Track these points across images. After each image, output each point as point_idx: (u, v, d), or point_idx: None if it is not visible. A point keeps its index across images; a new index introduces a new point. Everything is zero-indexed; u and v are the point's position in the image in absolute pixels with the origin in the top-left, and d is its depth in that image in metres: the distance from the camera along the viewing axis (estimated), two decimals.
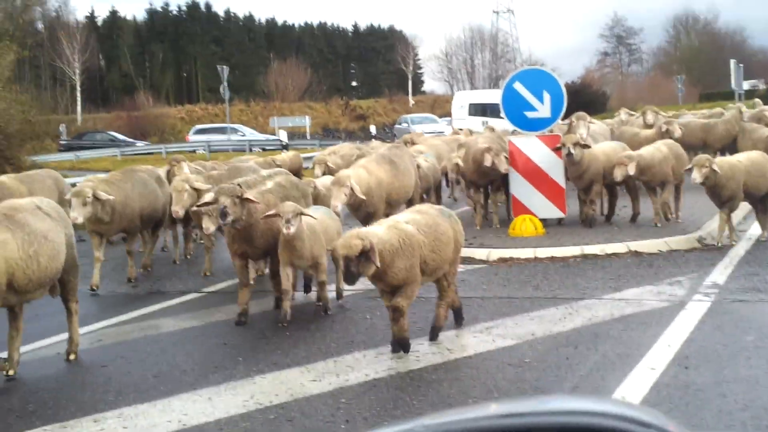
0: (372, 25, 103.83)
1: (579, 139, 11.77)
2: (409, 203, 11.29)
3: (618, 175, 11.32)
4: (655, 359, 6.25)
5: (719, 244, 10.44)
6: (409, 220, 6.87)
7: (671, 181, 11.72)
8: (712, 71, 78.08)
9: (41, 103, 49.41)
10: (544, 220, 12.05)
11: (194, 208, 9.43)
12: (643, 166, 11.37)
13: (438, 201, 13.90)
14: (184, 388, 6.34)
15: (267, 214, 7.84)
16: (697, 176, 10.10)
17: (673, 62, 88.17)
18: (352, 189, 9.71)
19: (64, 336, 7.88)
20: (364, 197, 9.86)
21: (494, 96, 34.23)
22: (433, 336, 7.22)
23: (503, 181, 12.92)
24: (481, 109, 36.07)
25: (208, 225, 8.92)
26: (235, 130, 48.32)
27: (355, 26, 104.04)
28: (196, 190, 10.23)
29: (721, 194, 10.37)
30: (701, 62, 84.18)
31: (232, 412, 5.76)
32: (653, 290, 8.48)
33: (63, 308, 7.48)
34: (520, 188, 12.27)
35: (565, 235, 11.44)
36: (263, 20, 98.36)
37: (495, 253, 10.68)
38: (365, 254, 6.16)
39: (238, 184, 8.19)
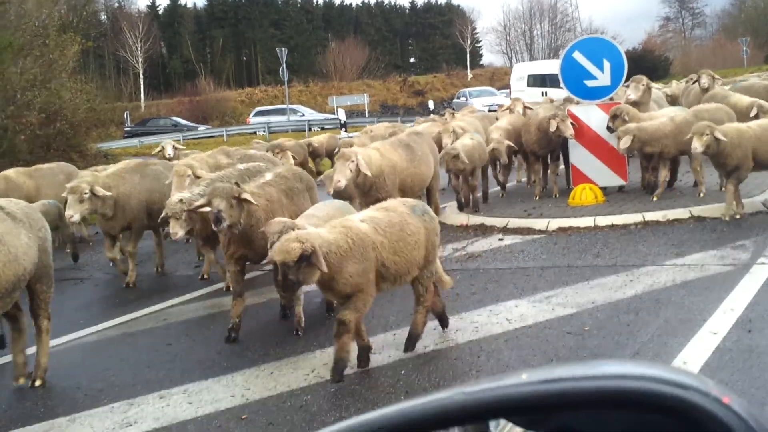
0: (429, 1, 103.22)
1: (618, 111, 11.58)
2: (428, 193, 11.11)
3: (620, 148, 11.03)
4: (718, 324, 6.15)
5: (726, 218, 9.76)
6: (366, 218, 6.00)
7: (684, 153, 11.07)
8: None
9: (106, 91, 50.39)
10: (604, 189, 11.90)
11: (179, 215, 8.03)
12: (645, 138, 10.93)
13: (484, 178, 13.12)
14: (246, 364, 6.46)
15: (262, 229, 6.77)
16: (697, 145, 9.38)
17: (738, 25, 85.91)
18: (358, 165, 8.92)
19: (129, 317, 8.11)
20: (369, 173, 9.04)
21: (553, 66, 33.84)
22: (409, 346, 6.38)
23: (563, 151, 12.81)
24: (540, 80, 35.60)
25: (176, 229, 8.02)
26: (294, 111, 48.76)
27: (413, 3, 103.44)
28: (198, 178, 9.31)
29: (726, 163, 9.65)
30: (767, 24, 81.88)
31: (294, 386, 5.85)
32: (716, 255, 8.32)
33: (126, 289, 7.62)
34: (580, 157, 12.14)
35: (626, 203, 11.28)
36: (321, 1, 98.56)
37: (554, 223, 10.60)
38: (306, 259, 5.26)
39: (236, 182, 7.22)
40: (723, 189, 11.08)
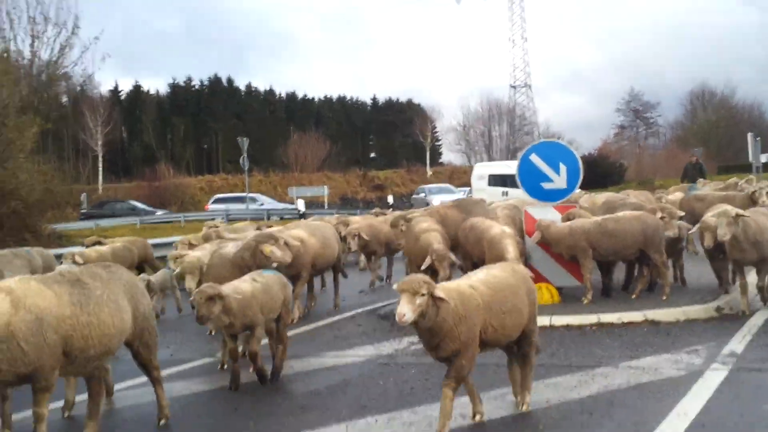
0: (390, 98, 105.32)
1: (571, 215, 12.19)
2: (139, 358, 7.05)
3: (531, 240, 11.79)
4: (671, 428, 6.14)
5: None
6: None
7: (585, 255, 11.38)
8: (730, 145, 78.43)
9: (63, 173, 50.22)
10: (560, 288, 11.98)
11: None
12: (549, 238, 11.55)
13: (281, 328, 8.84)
14: None
15: None
16: (407, 312, 5.75)
17: (689, 136, 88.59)
18: None
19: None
20: None
21: (513, 167, 34.39)
22: None
23: None
24: (501, 180, 36.12)
25: None
26: (253, 199, 48.88)
27: (374, 99, 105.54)
28: None
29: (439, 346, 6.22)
30: (718, 136, 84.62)
31: None
32: (670, 359, 8.37)
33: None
34: (536, 257, 12.24)
35: (582, 304, 11.35)
36: (284, 94, 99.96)
37: None
38: None
39: None
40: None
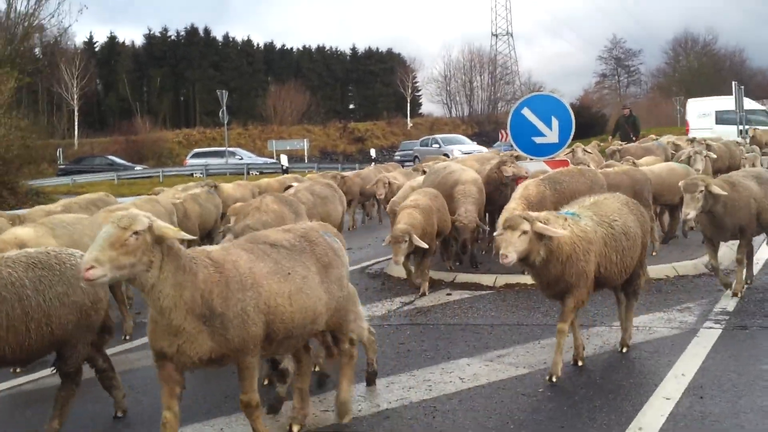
0: (370, 48, 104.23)
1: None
2: None
3: None
4: (670, 389, 6.18)
5: None
6: None
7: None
8: (712, 92, 78.28)
9: (39, 128, 49.67)
10: None
11: None
12: None
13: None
14: (196, 418, 6.24)
15: None
16: None
17: (672, 84, 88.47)
18: None
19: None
20: None
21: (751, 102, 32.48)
22: None
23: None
24: (732, 118, 30.56)
25: None
26: (232, 154, 48.49)
27: (354, 49, 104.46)
28: None
29: None
30: (700, 83, 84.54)
31: None
32: (663, 317, 8.42)
33: None
34: None
35: None
36: (261, 44, 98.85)
37: (501, 279, 10.63)
38: None
39: None
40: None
